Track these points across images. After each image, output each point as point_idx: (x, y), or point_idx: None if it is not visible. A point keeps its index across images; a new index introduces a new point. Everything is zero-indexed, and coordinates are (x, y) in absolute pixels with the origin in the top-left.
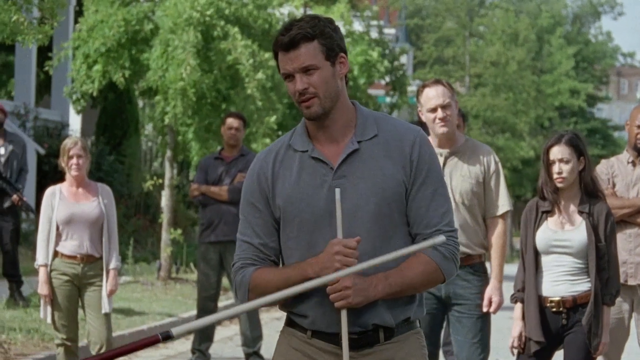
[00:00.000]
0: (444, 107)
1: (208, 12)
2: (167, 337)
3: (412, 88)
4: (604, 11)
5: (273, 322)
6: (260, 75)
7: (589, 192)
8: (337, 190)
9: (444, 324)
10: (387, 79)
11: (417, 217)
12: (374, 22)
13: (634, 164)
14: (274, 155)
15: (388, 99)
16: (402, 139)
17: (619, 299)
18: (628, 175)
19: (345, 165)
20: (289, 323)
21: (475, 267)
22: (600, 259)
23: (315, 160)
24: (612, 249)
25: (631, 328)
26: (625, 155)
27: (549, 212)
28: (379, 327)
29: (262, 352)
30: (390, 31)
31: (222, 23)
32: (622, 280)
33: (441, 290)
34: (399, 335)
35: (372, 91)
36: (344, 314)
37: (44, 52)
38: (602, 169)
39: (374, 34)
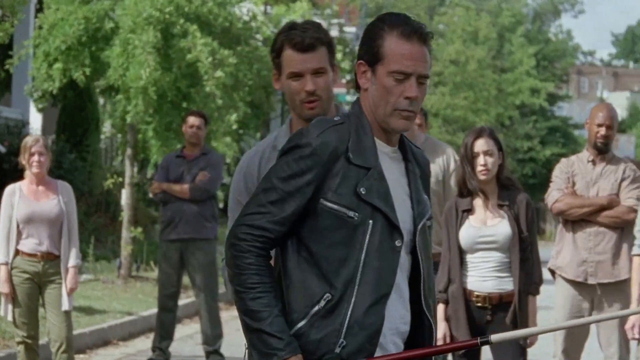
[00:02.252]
0: None
1: (167, 10)
2: (485, 342)
3: None
4: (565, 9)
5: (233, 320)
6: (219, 73)
7: (505, 185)
8: None
9: None
10: (348, 77)
11: None
12: (335, 21)
13: (594, 162)
14: (259, 155)
15: (349, 97)
16: None
17: (579, 298)
18: (588, 174)
19: None
20: None
21: (435, 266)
22: (524, 250)
23: None
24: (534, 238)
25: (591, 327)
26: (585, 154)
27: (469, 210)
28: None
29: (223, 350)
30: (350, 29)
31: (182, 21)
32: (581, 280)
33: None
34: None
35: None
36: None
37: (5, 50)
38: (562, 168)
39: (335, 33)
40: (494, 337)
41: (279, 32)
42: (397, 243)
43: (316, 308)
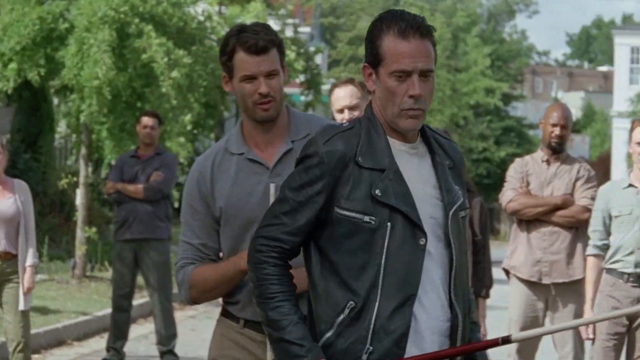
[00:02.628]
0: (350, 108)
1: (122, 9)
2: (506, 341)
3: (326, 87)
4: (519, 10)
5: (188, 320)
6: (175, 73)
7: None
8: (272, 185)
9: None
10: (302, 77)
11: None
12: (289, 21)
13: (548, 162)
14: (212, 159)
15: (303, 98)
16: None
17: (533, 298)
18: (542, 174)
19: (280, 164)
20: (224, 313)
21: None
22: (477, 253)
23: (251, 161)
24: (487, 242)
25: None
26: (540, 154)
27: None
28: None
29: (177, 350)
30: (305, 30)
31: (137, 21)
32: (536, 279)
33: None
34: None
35: (287, 90)
36: None
37: None
38: (517, 168)
39: (289, 33)
40: (515, 337)
41: (229, 35)
42: (421, 242)
43: (341, 317)
